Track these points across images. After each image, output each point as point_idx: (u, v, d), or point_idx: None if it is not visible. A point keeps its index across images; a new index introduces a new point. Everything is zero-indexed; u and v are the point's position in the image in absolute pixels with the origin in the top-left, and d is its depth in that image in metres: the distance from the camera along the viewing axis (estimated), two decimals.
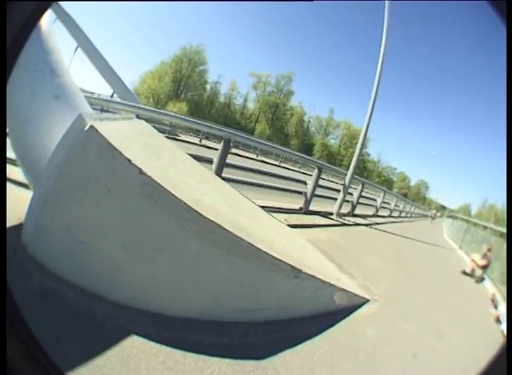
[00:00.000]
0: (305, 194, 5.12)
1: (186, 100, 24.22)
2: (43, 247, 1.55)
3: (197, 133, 12.93)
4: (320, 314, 1.96)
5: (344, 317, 2.05)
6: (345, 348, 1.79)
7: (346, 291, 2.15)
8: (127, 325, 1.40)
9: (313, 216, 5.06)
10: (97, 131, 1.40)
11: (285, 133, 25.92)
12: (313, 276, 1.79)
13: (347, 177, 6.10)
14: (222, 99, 26.13)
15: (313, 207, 5.27)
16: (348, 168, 6.32)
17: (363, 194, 7.21)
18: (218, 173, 3.95)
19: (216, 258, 1.49)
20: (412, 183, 24.57)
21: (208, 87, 25.68)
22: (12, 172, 1.87)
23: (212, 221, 1.40)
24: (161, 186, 1.37)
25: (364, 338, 1.95)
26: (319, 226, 4.56)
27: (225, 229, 1.43)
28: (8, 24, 0.68)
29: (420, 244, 6.83)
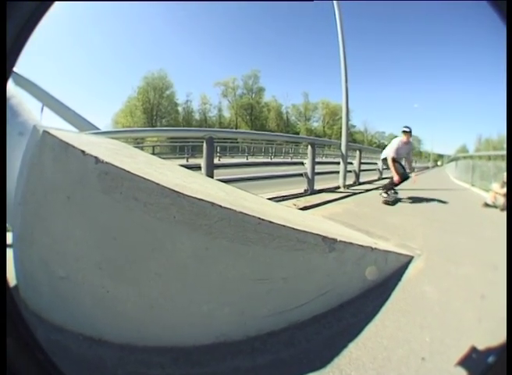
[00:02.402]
0: (305, 174, 4.78)
1: (163, 127, 24.18)
2: (36, 297, 1.28)
3: (181, 153, 12.60)
4: (370, 288, 1.59)
5: (396, 283, 1.75)
6: (413, 318, 1.44)
7: (389, 252, 1.78)
8: (142, 369, 1.08)
9: (321, 195, 4.71)
10: (49, 134, 1.11)
11: (267, 130, 25.78)
12: (351, 243, 1.41)
13: (342, 146, 5.76)
14: (197, 116, 26.09)
15: (318, 187, 4.95)
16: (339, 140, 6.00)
17: (363, 161, 6.89)
18: (209, 174, 3.59)
19: (221, 250, 1.09)
20: None
21: (180, 108, 25.68)
22: None
23: (202, 200, 1.01)
24: (124, 170, 1.00)
25: (427, 299, 1.63)
26: (330, 202, 4.22)
27: (223, 207, 1.03)
28: (8, 24, 0.67)
29: (432, 193, 6.59)
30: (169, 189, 0.97)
